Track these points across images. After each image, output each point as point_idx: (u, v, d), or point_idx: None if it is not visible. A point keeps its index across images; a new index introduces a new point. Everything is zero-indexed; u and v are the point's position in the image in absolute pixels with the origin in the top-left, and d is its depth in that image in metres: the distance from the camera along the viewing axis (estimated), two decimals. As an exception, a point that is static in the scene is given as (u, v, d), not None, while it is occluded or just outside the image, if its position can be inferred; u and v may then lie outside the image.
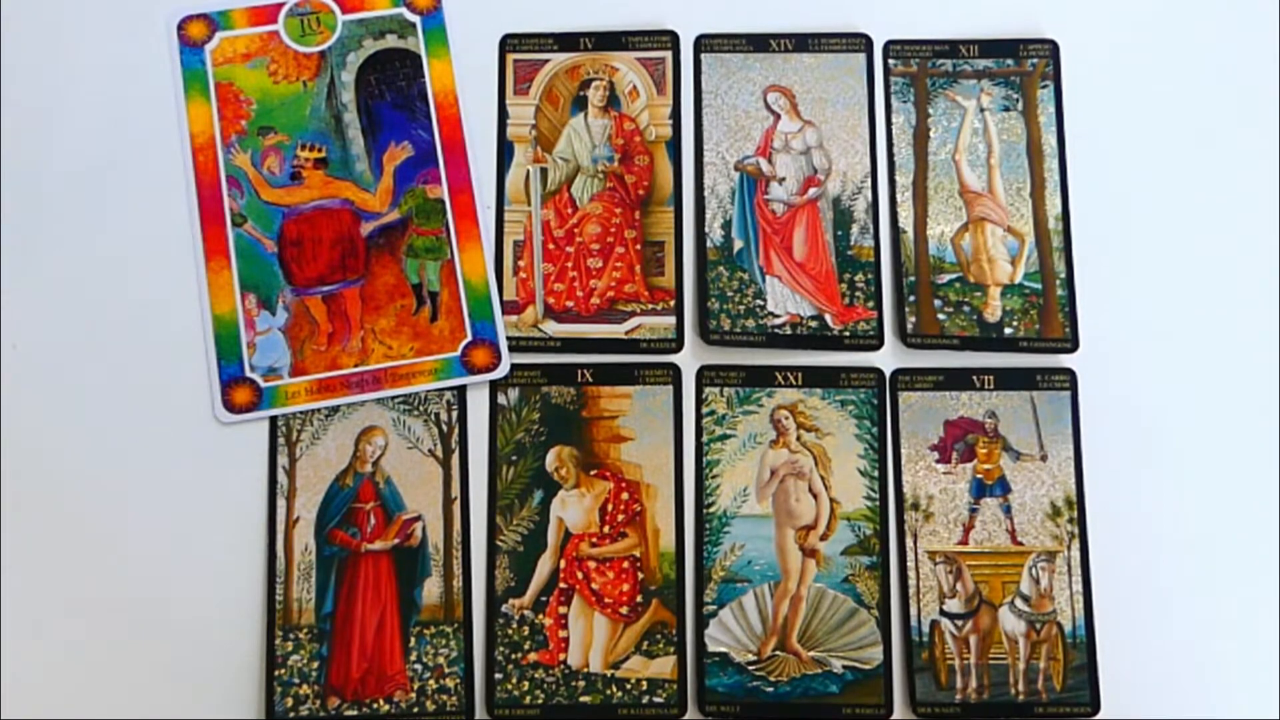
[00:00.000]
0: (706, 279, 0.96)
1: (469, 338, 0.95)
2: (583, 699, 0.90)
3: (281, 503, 0.92)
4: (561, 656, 0.90)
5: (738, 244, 0.97)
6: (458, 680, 0.90)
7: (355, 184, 0.97)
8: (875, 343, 0.95)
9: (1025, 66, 1.00)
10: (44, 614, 0.91)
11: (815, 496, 0.93)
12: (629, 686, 0.90)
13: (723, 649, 0.90)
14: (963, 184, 0.98)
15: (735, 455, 0.93)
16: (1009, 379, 0.95)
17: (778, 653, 0.90)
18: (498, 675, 0.90)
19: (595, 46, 1.00)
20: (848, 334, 0.95)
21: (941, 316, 0.95)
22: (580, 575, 0.92)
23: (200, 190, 0.97)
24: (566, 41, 1.00)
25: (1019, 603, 0.91)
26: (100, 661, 0.90)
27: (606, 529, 0.92)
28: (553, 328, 0.96)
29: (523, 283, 0.97)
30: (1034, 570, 0.91)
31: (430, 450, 0.93)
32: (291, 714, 0.89)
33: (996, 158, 0.98)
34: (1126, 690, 0.90)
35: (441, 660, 0.90)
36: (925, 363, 0.95)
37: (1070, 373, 0.94)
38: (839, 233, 0.97)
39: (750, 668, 0.90)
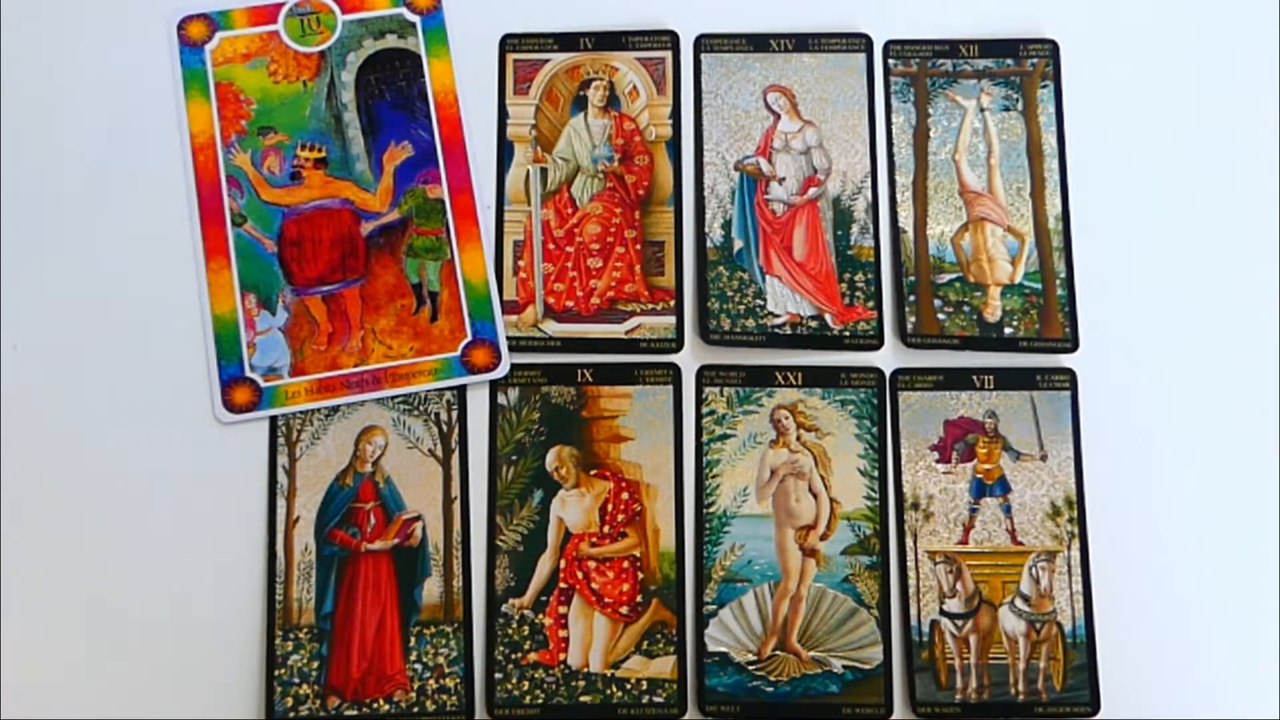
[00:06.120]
0: (706, 279, 0.96)
1: (469, 338, 0.95)
2: (583, 699, 0.90)
3: (281, 503, 0.92)
4: (561, 656, 0.90)
5: (738, 244, 0.97)
6: (458, 680, 0.90)
7: (355, 184, 0.97)
8: (875, 343, 0.95)
9: (1025, 66, 1.00)
10: (44, 614, 0.91)
11: (815, 496, 0.93)
12: (629, 686, 0.90)
13: (723, 649, 0.90)
14: (963, 184, 0.98)
15: (735, 455, 0.93)
16: (1009, 379, 0.95)
17: (778, 652, 0.90)
18: (498, 675, 0.90)
19: (595, 46, 1.00)
20: (848, 334, 0.95)
21: (941, 316, 0.95)
22: (580, 575, 0.92)
23: (200, 190, 0.97)
24: (566, 41, 1.00)
25: (1019, 603, 0.91)
26: (100, 661, 0.90)
27: (606, 529, 0.92)
28: (553, 328, 0.96)
29: (523, 283, 0.97)
30: (1034, 570, 0.91)
31: (430, 450, 0.93)
32: (291, 714, 0.89)
33: (996, 158, 0.98)
34: (1126, 690, 0.90)
35: (441, 660, 0.90)
36: (925, 363, 0.95)
37: (1070, 373, 0.94)
38: (839, 233, 0.97)
39: (750, 668, 0.90)
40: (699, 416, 0.94)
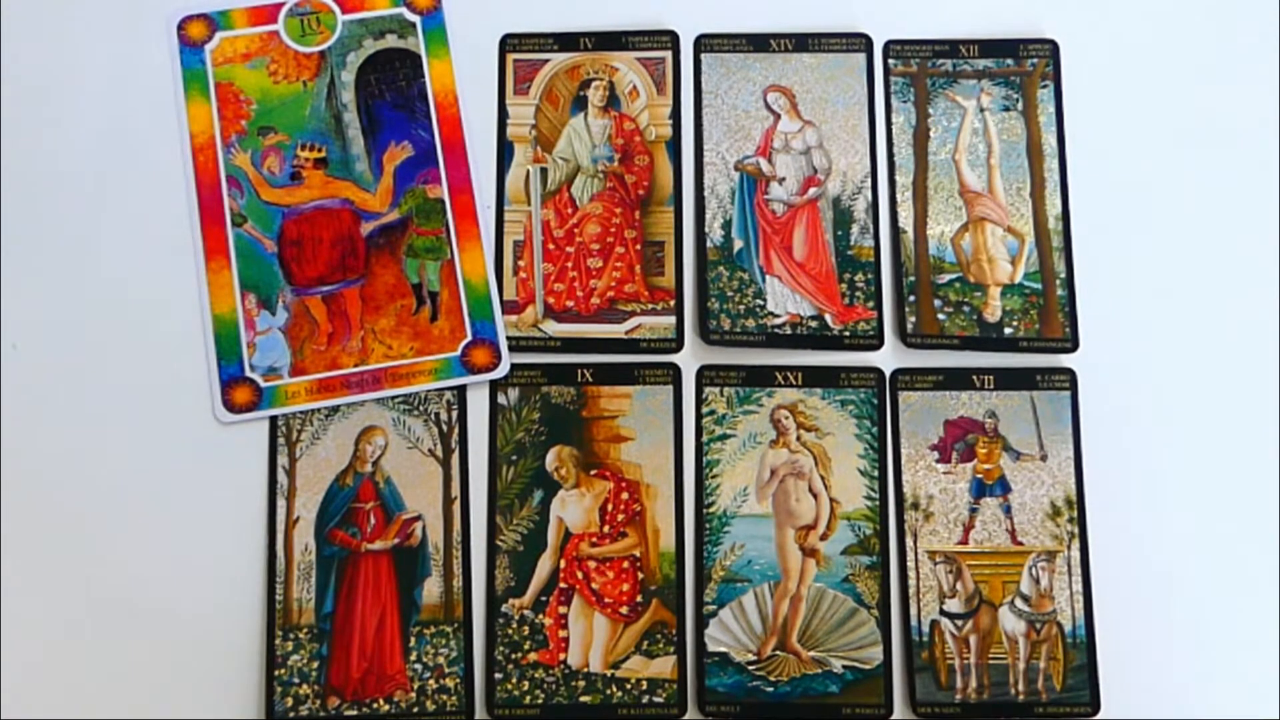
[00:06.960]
0: (706, 279, 0.96)
1: (469, 337, 0.95)
2: (583, 699, 0.90)
3: (281, 503, 0.92)
4: (561, 656, 0.90)
5: (738, 244, 0.97)
6: (458, 680, 0.90)
7: (355, 184, 0.97)
8: (875, 343, 0.95)
9: (1025, 66, 1.00)
10: (44, 614, 0.90)
11: (815, 496, 0.93)
12: (629, 686, 0.90)
13: (723, 649, 0.90)
14: (963, 184, 0.98)
15: (735, 455, 0.93)
16: (1009, 379, 0.95)
17: (778, 653, 0.90)
18: (498, 675, 0.90)
19: (595, 46, 1.00)
20: (848, 334, 0.95)
21: (941, 316, 0.95)
22: (580, 575, 0.92)
23: (200, 190, 0.97)
24: (566, 41, 1.00)
25: (1019, 603, 0.91)
26: (100, 661, 0.90)
27: (606, 529, 0.92)
28: (553, 328, 0.96)
29: (523, 283, 0.97)
30: (1034, 570, 0.91)
31: (430, 450, 0.93)
32: (291, 714, 0.89)
33: (996, 158, 0.98)
34: (1126, 690, 0.90)
35: (441, 660, 0.90)
36: (925, 363, 0.95)
37: (1070, 373, 0.94)
38: (839, 233, 0.97)
39: (750, 668, 0.90)
40: (699, 416, 0.94)
